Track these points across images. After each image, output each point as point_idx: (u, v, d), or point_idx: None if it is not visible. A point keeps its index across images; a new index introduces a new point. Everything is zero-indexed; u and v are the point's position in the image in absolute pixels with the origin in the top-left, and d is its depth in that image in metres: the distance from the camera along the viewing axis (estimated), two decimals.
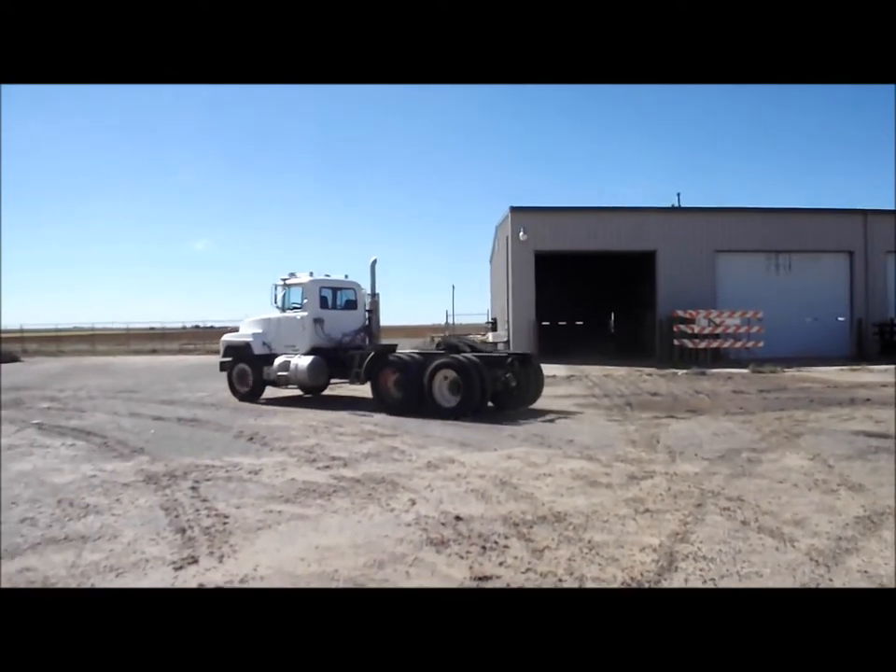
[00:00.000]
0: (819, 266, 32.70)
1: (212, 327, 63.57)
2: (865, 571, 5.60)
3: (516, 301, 31.89)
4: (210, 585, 5.46)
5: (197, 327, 73.33)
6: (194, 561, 6.02)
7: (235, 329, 20.97)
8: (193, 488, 8.61)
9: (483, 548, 6.23)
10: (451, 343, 17.66)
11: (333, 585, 5.44)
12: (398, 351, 16.88)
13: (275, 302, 18.76)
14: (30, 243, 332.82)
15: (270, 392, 19.18)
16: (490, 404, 15.68)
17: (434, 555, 6.08)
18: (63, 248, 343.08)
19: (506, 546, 6.29)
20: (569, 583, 5.42)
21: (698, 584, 5.36)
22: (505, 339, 32.98)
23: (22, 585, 5.53)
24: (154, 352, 55.40)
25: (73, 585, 5.53)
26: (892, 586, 5.32)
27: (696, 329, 29.28)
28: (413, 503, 7.79)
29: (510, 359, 15.88)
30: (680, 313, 29.68)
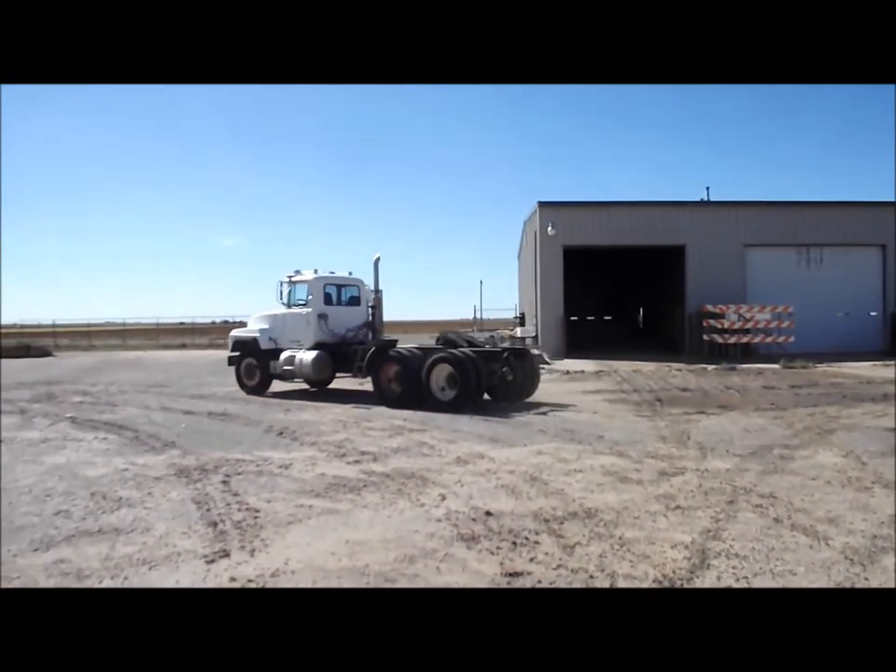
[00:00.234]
0: (850, 260, 32.23)
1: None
2: None
3: (544, 296, 31.81)
4: (241, 579, 5.48)
5: (226, 322, 73.71)
6: (226, 555, 6.05)
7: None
8: (224, 482, 8.67)
9: (514, 544, 6.22)
10: (449, 338, 18.04)
11: (364, 580, 5.45)
12: (398, 346, 17.36)
13: (281, 299, 19.31)
14: (64, 238, 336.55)
15: (276, 385, 19.75)
16: (488, 398, 16.22)
17: (465, 551, 6.07)
18: (97, 244, 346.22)
19: (536, 542, 6.27)
20: (601, 580, 5.39)
21: (731, 582, 5.31)
22: (533, 334, 32.91)
23: (57, 577, 5.60)
24: (184, 346, 55.91)
25: (107, 577, 5.58)
26: None
27: (726, 324, 29.04)
28: (443, 498, 7.79)
29: (505, 354, 16.44)
30: (710, 307, 29.47)
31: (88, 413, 15.37)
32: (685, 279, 31.99)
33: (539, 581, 5.37)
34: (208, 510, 7.48)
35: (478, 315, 42.98)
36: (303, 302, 18.80)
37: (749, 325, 29.25)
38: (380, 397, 16.70)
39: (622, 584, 5.32)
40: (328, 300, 18.99)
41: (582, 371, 23.84)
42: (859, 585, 5.26)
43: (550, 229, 31.18)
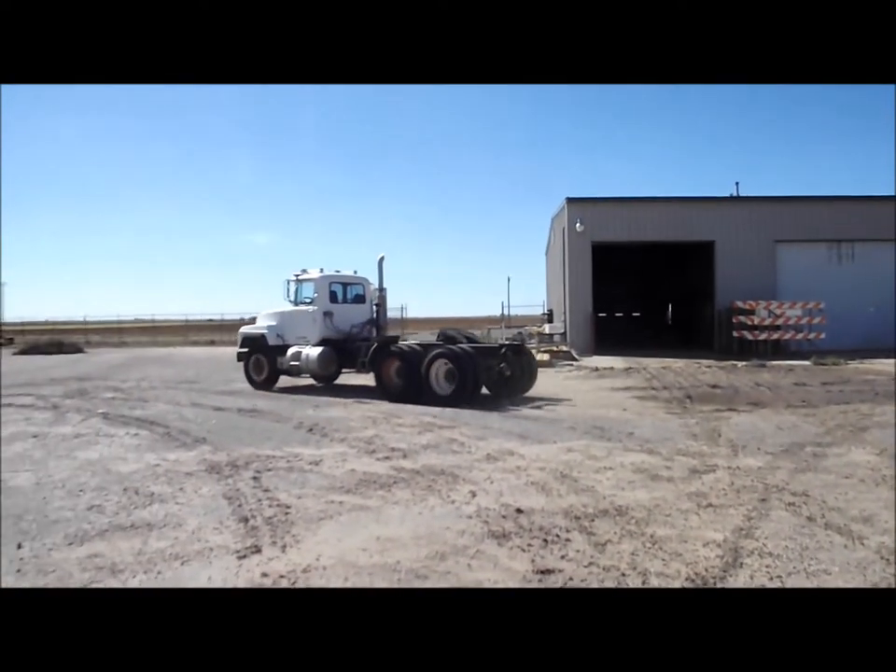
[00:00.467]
0: (882, 255, 31.68)
1: None
2: None
3: (573, 293, 31.74)
4: (273, 575, 5.51)
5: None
6: (257, 550, 6.08)
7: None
8: (255, 478, 8.71)
9: (545, 541, 6.20)
10: (449, 334, 18.39)
11: (395, 576, 5.46)
12: (399, 342, 18.12)
13: (288, 297, 19.88)
14: (96, 236, 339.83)
15: (284, 381, 20.24)
16: (487, 392, 16.81)
17: (496, 548, 6.06)
18: (127, 241, 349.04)
19: (568, 539, 6.24)
20: (633, 577, 5.37)
21: (764, 581, 5.27)
22: (561, 331, 32.86)
23: (91, 571, 5.65)
24: (213, 343, 56.22)
25: (140, 572, 5.62)
26: None
27: (756, 321, 28.87)
28: (474, 495, 7.78)
29: (503, 350, 17.01)
30: (740, 304, 29.28)
31: (119, 409, 15.50)
32: (714, 275, 31.81)
33: (571, 579, 5.35)
34: (239, 505, 7.52)
35: (505, 312, 42.87)
36: (310, 300, 19.38)
37: (780, 321, 29.04)
38: (382, 391, 17.18)
39: (654, 582, 5.29)
40: (333, 297, 19.57)
41: (611, 368, 23.75)
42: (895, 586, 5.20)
43: (578, 225, 31.11)
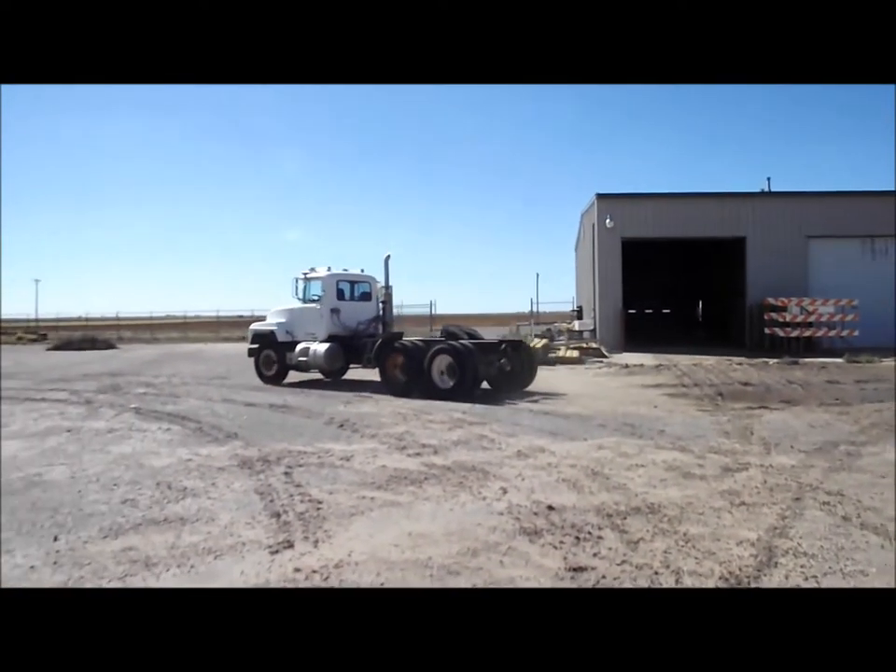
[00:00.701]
0: None
1: None
2: None
3: (602, 289, 31.57)
4: (305, 570, 5.53)
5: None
6: (290, 545, 6.10)
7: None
8: (286, 473, 8.74)
9: (577, 538, 6.18)
10: (450, 331, 18.74)
11: (427, 572, 5.46)
12: (403, 339, 18.51)
13: (297, 294, 20.40)
14: (128, 233, 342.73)
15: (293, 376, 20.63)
16: (488, 387, 17.35)
17: (527, 545, 6.05)
18: (159, 238, 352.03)
19: (600, 537, 6.22)
20: (666, 576, 5.34)
21: (799, 581, 5.22)
22: (591, 327, 32.73)
23: (126, 564, 5.70)
24: (243, 339, 56.47)
25: (173, 566, 5.67)
26: None
27: (788, 318, 28.54)
28: (505, 492, 7.76)
29: (503, 345, 17.72)
30: (771, 300, 28.97)
31: (151, 404, 15.63)
32: (746, 272, 31.47)
33: (604, 577, 5.33)
34: (271, 500, 7.55)
35: (534, 309, 42.71)
36: (317, 298, 19.89)
37: (812, 318, 28.70)
38: (386, 385, 17.71)
39: (687, 581, 5.26)
40: (340, 295, 20.04)
41: (641, 365, 23.62)
42: None
43: (608, 221, 30.96)
